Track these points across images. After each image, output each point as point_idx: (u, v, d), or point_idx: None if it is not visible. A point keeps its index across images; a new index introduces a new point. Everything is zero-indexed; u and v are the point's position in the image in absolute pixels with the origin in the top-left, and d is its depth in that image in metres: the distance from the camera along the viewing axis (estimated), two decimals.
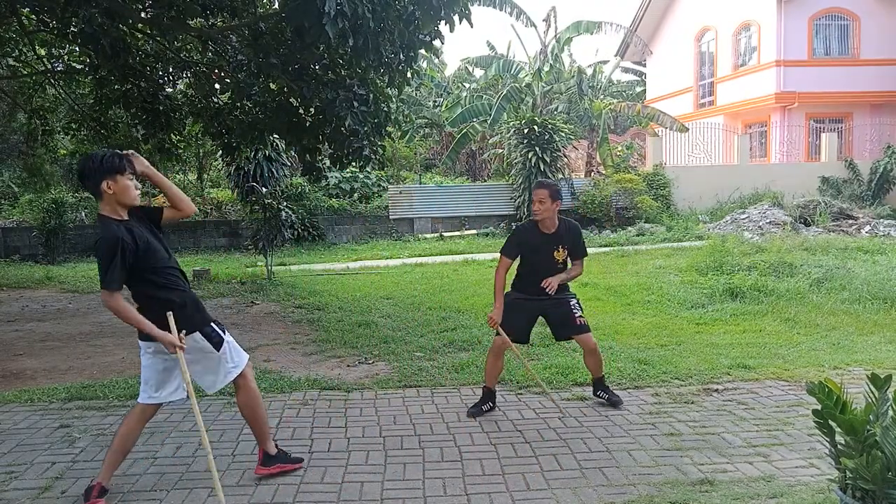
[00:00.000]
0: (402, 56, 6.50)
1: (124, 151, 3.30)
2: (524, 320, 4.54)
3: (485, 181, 21.00)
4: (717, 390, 4.95)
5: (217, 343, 3.37)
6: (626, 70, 30.78)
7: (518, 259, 4.59)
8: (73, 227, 15.32)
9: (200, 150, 16.84)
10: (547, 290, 4.33)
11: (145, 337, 3.29)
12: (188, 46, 8.73)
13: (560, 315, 4.50)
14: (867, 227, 14.68)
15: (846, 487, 2.60)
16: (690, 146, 20.10)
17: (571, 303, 4.51)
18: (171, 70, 8.82)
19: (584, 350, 4.57)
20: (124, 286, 3.23)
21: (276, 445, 3.67)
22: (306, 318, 7.91)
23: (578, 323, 4.46)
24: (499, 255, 4.61)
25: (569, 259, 4.55)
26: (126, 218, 3.25)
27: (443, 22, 6.04)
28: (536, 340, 6.43)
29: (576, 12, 49.86)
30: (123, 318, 3.20)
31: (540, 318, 4.62)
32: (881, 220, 15.42)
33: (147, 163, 3.33)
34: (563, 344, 6.29)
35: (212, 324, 3.40)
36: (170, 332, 3.20)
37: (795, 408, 4.54)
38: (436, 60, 25.74)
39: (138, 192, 3.30)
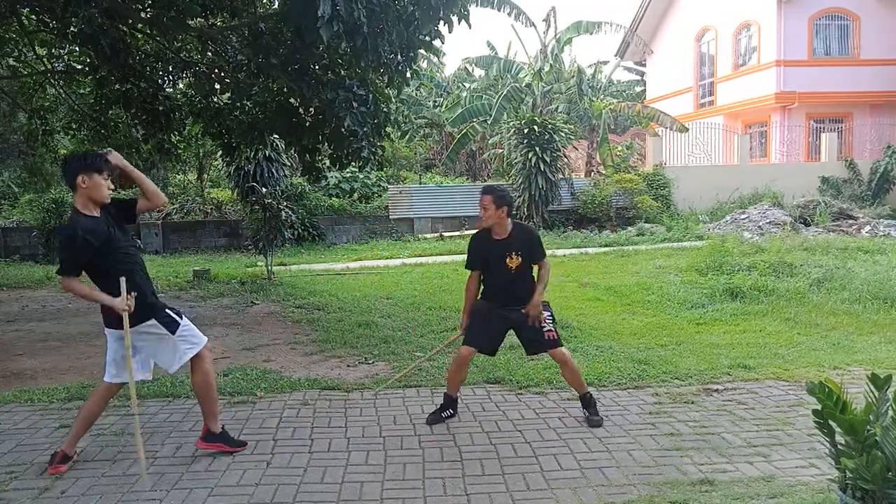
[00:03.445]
0: (400, 56, 6.49)
1: (102, 150, 3.64)
2: (488, 330, 4.32)
3: (485, 181, 20.99)
4: (717, 390, 4.95)
5: (172, 326, 3.68)
6: (628, 70, 30.82)
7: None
8: None
9: (200, 150, 16.84)
10: (531, 322, 4.16)
11: (110, 324, 3.62)
12: (188, 46, 8.72)
13: (530, 329, 4.25)
14: (867, 227, 14.67)
15: (846, 487, 2.60)
16: (690, 146, 20.09)
17: (544, 314, 4.26)
18: (171, 70, 8.81)
19: (558, 364, 4.38)
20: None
21: (223, 427, 3.93)
22: (306, 318, 7.91)
23: (548, 337, 4.23)
24: None
25: (524, 266, 4.29)
26: (96, 214, 3.58)
27: (441, 22, 6.03)
28: None
29: (576, 12, 49.74)
30: (79, 296, 3.58)
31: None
32: (881, 220, 15.41)
33: (121, 157, 3.64)
34: (563, 343, 6.30)
35: (166, 310, 3.72)
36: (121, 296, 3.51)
37: (795, 408, 4.54)
38: (436, 60, 25.75)
39: (110, 192, 3.66)
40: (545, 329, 4.23)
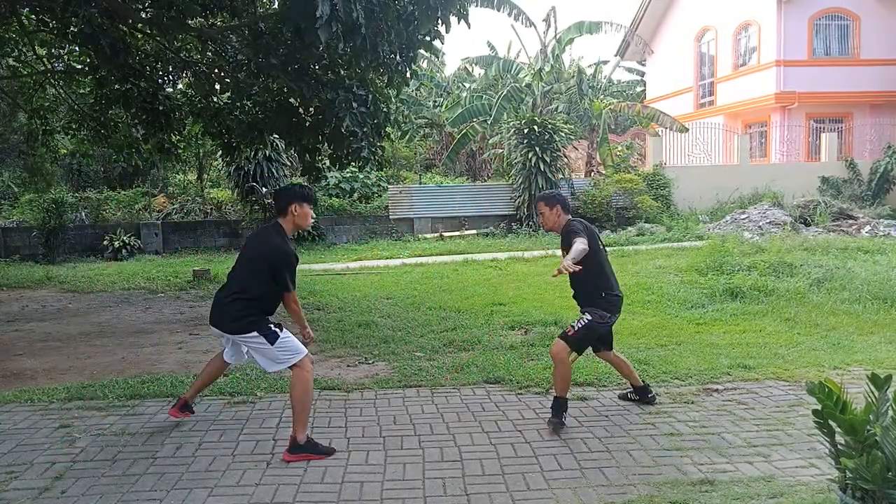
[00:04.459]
0: (399, 57, 6.49)
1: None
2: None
3: (485, 181, 20.99)
4: (717, 390, 4.95)
5: (271, 338, 3.96)
6: (628, 70, 30.81)
7: None
8: (73, 227, 15.33)
9: (200, 150, 16.82)
10: (562, 270, 3.96)
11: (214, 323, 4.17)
12: (188, 46, 8.72)
13: None
14: (867, 227, 14.67)
15: (846, 487, 2.60)
16: (690, 146, 20.09)
17: (583, 316, 4.30)
18: (171, 70, 8.81)
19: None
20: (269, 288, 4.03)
21: (308, 437, 3.94)
22: (306, 318, 7.90)
23: (564, 329, 4.34)
24: None
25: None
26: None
27: (439, 22, 6.03)
28: (536, 340, 6.44)
29: (576, 12, 49.74)
30: (295, 312, 4.17)
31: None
32: (881, 220, 15.41)
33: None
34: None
35: (269, 324, 4.02)
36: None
37: (795, 408, 4.54)
38: (436, 60, 25.74)
39: (313, 220, 4.16)
40: (572, 323, 4.28)
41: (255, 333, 3.96)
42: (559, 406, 4.28)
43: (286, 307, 4.14)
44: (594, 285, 4.35)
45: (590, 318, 4.25)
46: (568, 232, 4.34)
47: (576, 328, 4.23)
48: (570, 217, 4.48)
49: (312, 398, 4.12)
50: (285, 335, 4.01)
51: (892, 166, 18.06)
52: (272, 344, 3.95)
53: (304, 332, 4.31)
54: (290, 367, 3.99)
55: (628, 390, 4.80)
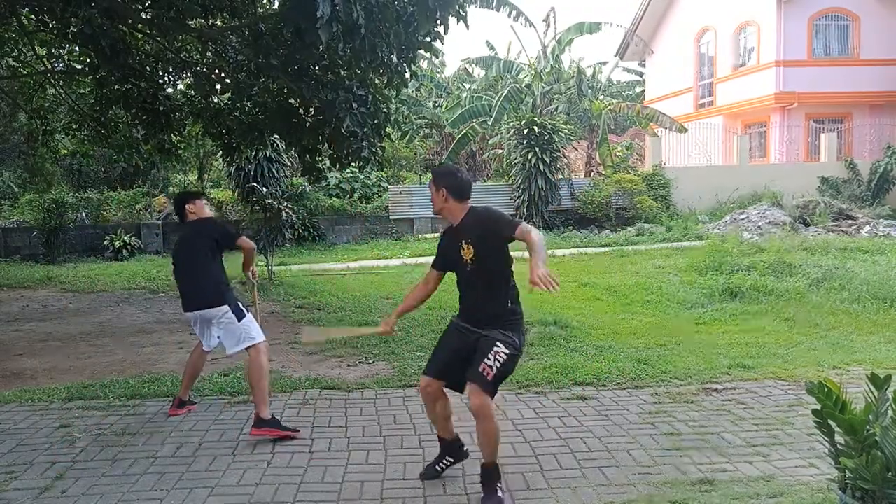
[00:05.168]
0: (398, 57, 6.49)
1: None
2: (446, 352, 3.43)
3: (485, 181, 20.98)
4: (716, 390, 4.96)
5: (239, 315, 4.35)
6: (627, 70, 30.83)
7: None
8: (74, 227, 15.32)
9: (200, 151, 16.83)
10: (539, 285, 2.88)
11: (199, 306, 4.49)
12: (188, 46, 8.72)
13: (477, 353, 3.24)
14: (867, 228, 14.67)
15: (846, 487, 2.60)
16: (690, 146, 20.08)
17: (494, 348, 3.19)
18: (171, 70, 8.80)
19: (472, 412, 3.21)
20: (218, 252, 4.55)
21: (272, 415, 4.22)
22: (306, 317, 7.92)
23: (480, 369, 3.16)
24: None
25: (483, 263, 3.30)
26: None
27: (437, 23, 6.03)
28: (536, 340, 6.44)
29: (575, 12, 49.60)
30: (250, 247, 4.65)
31: None
32: (881, 220, 15.40)
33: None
34: (563, 343, 6.29)
35: (238, 303, 4.42)
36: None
37: (795, 408, 4.54)
38: (436, 61, 25.76)
39: (211, 211, 4.83)
40: (487, 361, 3.17)
41: (226, 308, 4.31)
42: (491, 475, 3.28)
43: (243, 250, 4.58)
44: (506, 294, 3.35)
45: (506, 350, 3.20)
46: (489, 219, 3.29)
47: (493, 368, 3.16)
48: (469, 206, 3.38)
49: (269, 378, 4.44)
50: (250, 317, 4.40)
51: (892, 166, 18.05)
52: (239, 321, 4.30)
53: (249, 271, 4.77)
54: (247, 350, 4.28)
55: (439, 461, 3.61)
